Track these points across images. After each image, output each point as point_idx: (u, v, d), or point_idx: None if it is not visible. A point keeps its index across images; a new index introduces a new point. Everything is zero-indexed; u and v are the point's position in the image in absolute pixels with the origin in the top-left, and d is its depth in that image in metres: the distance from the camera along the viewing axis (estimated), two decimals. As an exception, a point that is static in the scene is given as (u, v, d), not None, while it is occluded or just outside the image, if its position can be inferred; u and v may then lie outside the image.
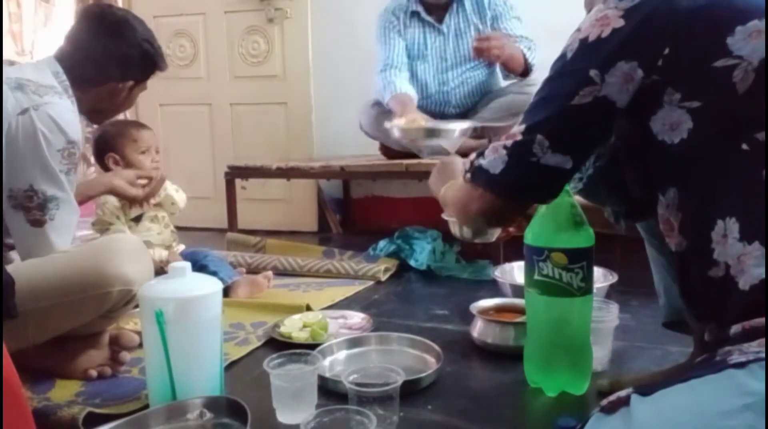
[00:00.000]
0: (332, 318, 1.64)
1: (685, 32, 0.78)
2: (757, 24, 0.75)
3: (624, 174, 0.95)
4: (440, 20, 2.58)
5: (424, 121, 2.22)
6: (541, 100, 0.89)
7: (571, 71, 0.85)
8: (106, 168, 1.93)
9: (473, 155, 0.97)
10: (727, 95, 0.75)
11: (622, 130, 0.88)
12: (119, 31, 1.42)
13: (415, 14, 2.59)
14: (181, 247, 2.04)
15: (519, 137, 0.88)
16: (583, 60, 0.83)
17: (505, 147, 0.90)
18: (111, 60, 1.40)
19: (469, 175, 0.96)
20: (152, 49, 1.46)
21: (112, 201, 1.87)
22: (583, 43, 0.84)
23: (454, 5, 2.56)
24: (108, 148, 1.90)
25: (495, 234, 1.31)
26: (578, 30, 0.86)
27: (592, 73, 0.82)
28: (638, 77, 0.80)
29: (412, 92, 2.53)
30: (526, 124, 0.88)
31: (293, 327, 1.56)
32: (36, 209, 1.24)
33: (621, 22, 0.81)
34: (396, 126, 2.20)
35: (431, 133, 2.16)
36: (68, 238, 1.31)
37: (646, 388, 0.69)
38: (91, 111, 1.44)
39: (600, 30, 0.82)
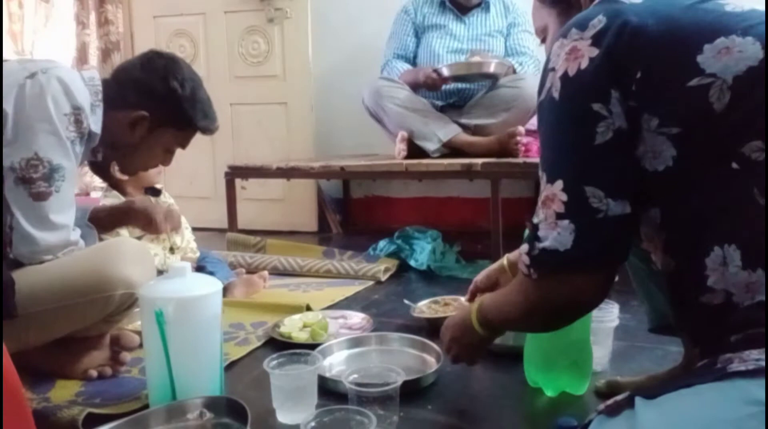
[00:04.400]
0: (332, 318, 1.64)
1: (655, 53, 0.76)
2: (725, 41, 0.73)
3: None
4: (465, 12, 2.71)
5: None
6: (559, 150, 0.82)
7: (574, 112, 0.80)
8: (107, 176, 1.82)
9: (524, 248, 0.84)
10: (705, 116, 0.73)
11: None
12: (154, 61, 1.38)
13: (441, 4, 2.73)
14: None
15: (565, 197, 0.79)
16: (579, 97, 0.79)
17: (559, 216, 0.79)
18: (134, 83, 1.36)
19: (533, 270, 0.83)
20: (181, 90, 1.37)
21: None
22: (565, 80, 0.80)
23: (481, 6, 2.70)
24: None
25: None
26: (552, 70, 0.82)
27: (596, 107, 0.77)
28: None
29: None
30: (562, 180, 0.80)
31: (293, 327, 1.56)
32: (41, 180, 1.16)
33: (594, 51, 0.78)
34: (445, 65, 2.49)
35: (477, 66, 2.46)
36: (70, 218, 1.24)
37: (650, 392, 0.68)
38: (108, 142, 1.35)
39: (577, 63, 0.79)
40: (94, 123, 1.28)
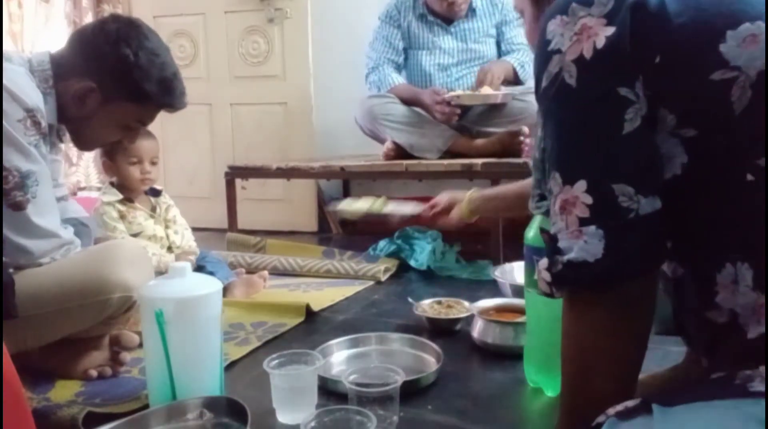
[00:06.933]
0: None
1: (675, 37, 0.67)
2: (750, 28, 0.64)
3: None
4: (449, 23, 2.66)
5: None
6: (579, 145, 0.71)
7: (597, 99, 0.69)
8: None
9: (543, 264, 0.74)
10: (724, 117, 0.65)
11: None
12: (108, 24, 1.27)
13: (422, 16, 2.68)
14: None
15: (590, 200, 0.68)
16: (603, 81, 0.69)
17: (583, 222, 0.69)
18: (83, 50, 1.25)
19: (556, 288, 0.74)
20: (134, 58, 1.23)
21: (111, 212, 1.83)
22: (582, 63, 0.69)
23: (467, 13, 2.65)
24: (104, 150, 1.87)
25: None
26: (557, 52, 0.71)
27: (623, 91, 0.68)
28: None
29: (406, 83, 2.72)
30: (585, 180, 0.69)
31: (350, 204, 1.61)
32: (15, 190, 1.13)
33: (610, 30, 0.68)
34: (454, 95, 2.48)
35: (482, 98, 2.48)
36: (55, 219, 1.22)
37: (665, 398, 0.64)
38: (64, 115, 1.28)
39: (591, 43, 0.69)
40: (49, 113, 1.23)
